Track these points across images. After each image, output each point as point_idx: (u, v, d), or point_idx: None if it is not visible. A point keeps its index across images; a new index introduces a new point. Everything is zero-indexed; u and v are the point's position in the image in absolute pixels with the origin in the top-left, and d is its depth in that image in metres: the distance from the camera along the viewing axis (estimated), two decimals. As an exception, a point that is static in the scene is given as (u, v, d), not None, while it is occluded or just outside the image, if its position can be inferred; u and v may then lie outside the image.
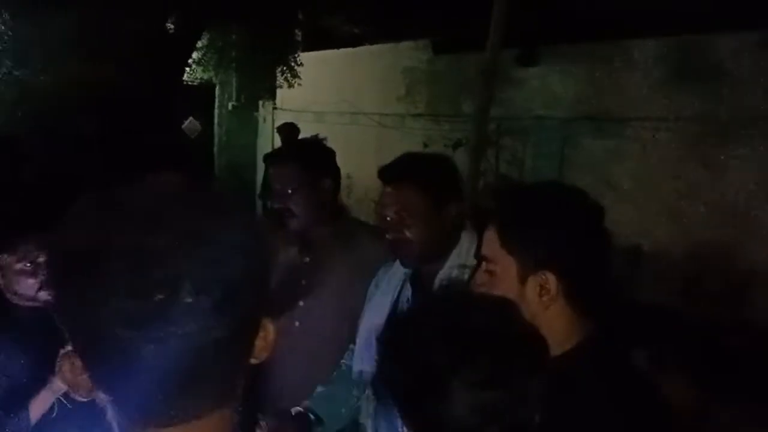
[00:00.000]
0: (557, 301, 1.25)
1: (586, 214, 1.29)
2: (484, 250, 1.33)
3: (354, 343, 2.08)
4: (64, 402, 1.85)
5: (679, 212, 5.26)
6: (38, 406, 1.77)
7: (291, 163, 2.25)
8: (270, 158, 2.47)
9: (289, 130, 7.48)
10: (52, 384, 1.80)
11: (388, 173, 1.89)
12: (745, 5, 4.60)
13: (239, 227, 0.71)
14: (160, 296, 0.63)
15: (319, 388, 2.09)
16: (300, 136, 7.20)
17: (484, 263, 1.33)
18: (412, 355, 0.98)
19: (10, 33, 6.71)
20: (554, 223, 1.26)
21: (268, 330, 0.76)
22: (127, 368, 0.66)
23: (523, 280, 1.26)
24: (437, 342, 0.96)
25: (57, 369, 1.83)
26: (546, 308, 1.24)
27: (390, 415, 1.71)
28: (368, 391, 1.92)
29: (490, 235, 1.31)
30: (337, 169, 2.31)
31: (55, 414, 1.82)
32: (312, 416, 2.00)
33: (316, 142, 2.39)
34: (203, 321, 0.65)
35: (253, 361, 0.75)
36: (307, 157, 2.28)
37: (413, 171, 1.88)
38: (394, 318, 1.28)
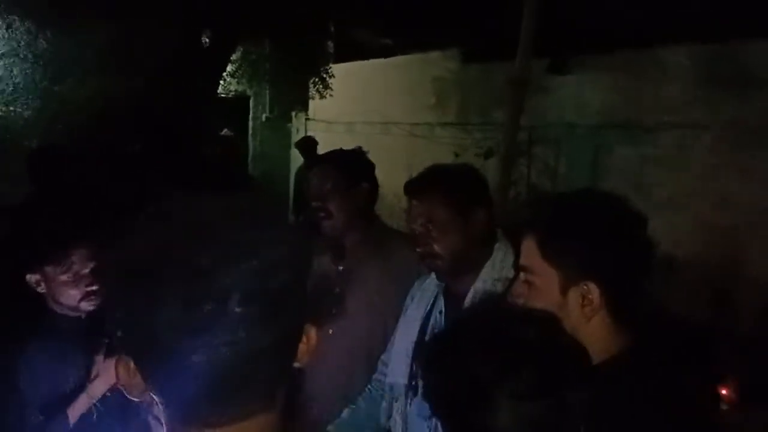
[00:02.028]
0: (599, 312, 1.23)
1: (628, 222, 1.27)
2: (524, 261, 1.30)
3: (384, 354, 2.08)
4: (100, 407, 1.92)
5: (713, 221, 5.20)
6: (76, 411, 1.84)
7: (330, 165, 2.30)
8: (310, 163, 2.53)
9: (307, 144, 7.60)
10: (89, 389, 1.87)
11: (413, 187, 1.88)
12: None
13: (284, 239, 0.75)
14: (211, 306, 0.67)
15: (344, 413, 2.08)
16: (331, 147, 7.29)
17: (522, 274, 1.30)
18: (458, 369, 0.97)
19: (50, 48, 6.91)
20: (596, 233, 1.24)
21: (311, 335, 0.79)
22: (178, 372, 0.70)
23: (564, 291, 1.24)
24: (483, 355, 0.96)
25: (94, 374, 1.90)
26: (588, 319, 1.22)
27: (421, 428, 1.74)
28: (399, 404, 1.90)
29: (530, 246, 1.28)
30: (375, 180, 2.34)
31: (95, 418, 1.90)
32: None
33: (357, 152, 2.43)
34: (251, 330, 0.69)
35: (295, 365, 0.78)
36: (347, 162, 2.33)
37: (437, 183, 1.86)
38: (437, 332, 1.28)
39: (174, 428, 0.75)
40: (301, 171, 7.55)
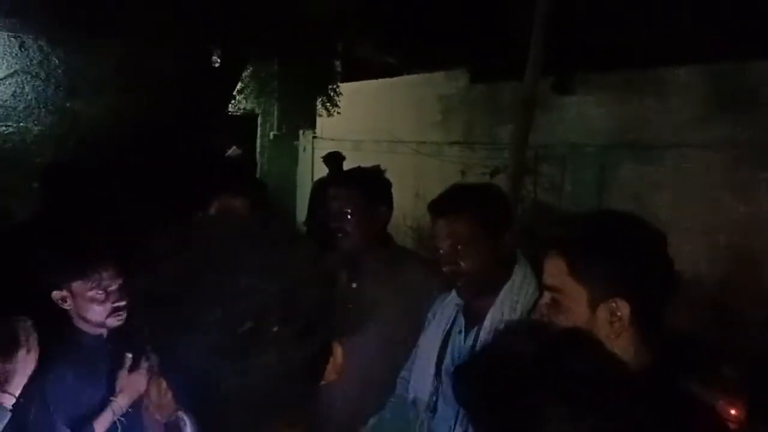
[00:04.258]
0: (628, 328, 1.24)
1: (652, 240, 1.29)
2: (550, 281, 1.31)
3: (404, 371, 2.10)
4: (124, 422, 1.96)
5: (717, 240, 5.22)
6: (101, 426, 1.87)
7: (353, 186, 2.30)
8: (331, 181, 2.51)
9: (334, 159, 7.63)
10: (113, 404, 1.90)
11: (440, 206, 1.88)
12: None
13: (310, 259, 0.78)
14: (248, 327, 0.69)
15: (372, 420, 2.09)
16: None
17: (548, 293, 1.31)
18: (509, 394, 0.95)
19: (62, 66, 7.01)
20: (624, 250, 1.26)
21: (338, 354, 0.82)
22: (209, 394, 0.72)
23: (594, 308, 1.25)
24: (534, 379, 0.95)
25: (118, 389, 1.94)
26: (618, 335, 1.23)
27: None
28: (422, 417, 1.91)
29: (557, 265, 1.29)
30: (392, 200, 2.35)
31: (119, 433, 1.93)
32: None
33: (376, 172, 2.43)
34: (285, 350, 0.71)
35: (322, 383, 0.81)
36: (368, 183, 2.34)
37: (465, 202, 1.87)
38: (477, 354, 1.26)
39: None
40: (319, 185, 7.58)
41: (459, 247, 1.81)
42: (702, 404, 1.26)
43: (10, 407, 1.74)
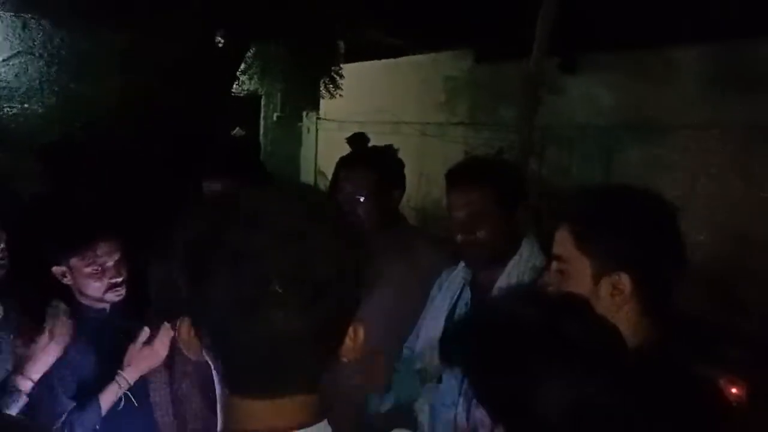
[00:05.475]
0: (629, 303, 1.26)
1: (661, 216, 1.30)
2: (557, 250, 1.34)
3: (409, 340, 2.12)
4: (130, 396, 1.97)
5: (722, 222, 5.20)
6: (107, 399, 1.90)
7: (367, 170, 2.31)
8: (345, 161, 2.49)
9: (359, 140, 7.59)
10: (119, 378, 1.93)
11: (458, 176, 1.93)
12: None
13: (336, 234, 0.78)
14: (252, 286, 0.72)
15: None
16: (342, 146, 7.33)
17: (555, 263, 1.34)
18: (509, 360, 0.97)
19: (66, 47, 6.98)
20: (630, 225, 1.27)
21: (358, 333, 0.82)
22: (225, 344, 0.77)
23: (597, 280, 1.27)
24: (534, 345, 0.97)
25: (126, 363, 1.94)
26: (618, 308, 1.25)
27: (444, 414, 1.76)
28: (428, 386, 1.95)
29: (564, 236, 1.33)
30: (405, 181, 2.37)
31: (121, 407, 1.95)
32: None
33: (390, 154, 2.43)
34: (288, 313, 0.73)
35: (343, 360, 0.82)
36: (384, 166, 2.34)
37: (482, 174, 1.93)
38: (479, 323, 1.29)
39: (224, 392, 0.81)
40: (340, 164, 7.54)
41: (476, 216, 1.86)
42: (704, 381, 1.27)
43: (28, 391, 1.76)
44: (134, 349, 1.94)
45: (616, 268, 1.26)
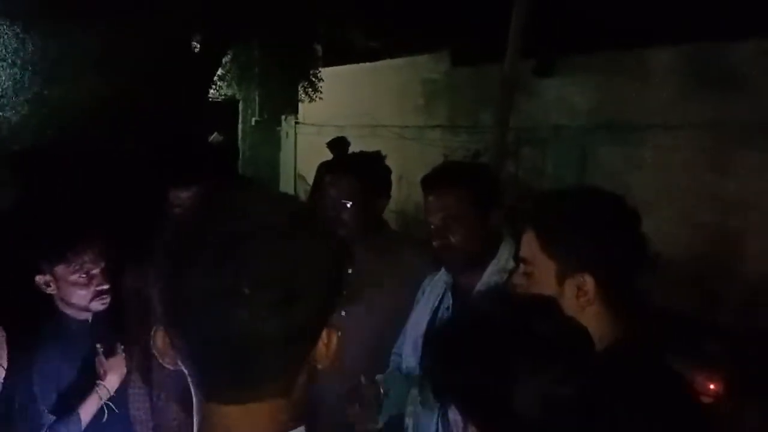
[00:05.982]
0: (593, 303, 1.28)
1: (624, 218, 1.32)
2: (523, 252, 1.36)
3: (396, 345, 2.12)
4: (112, 406, 1.96)
5: (697, 219, 5.28)
6: (87, 411, 1.88)
7: (354, 176, 2.26)
8: (331, 167, 2.45)
9: (340, 145, 7.54)
10: (99, 389, 1.90)
11: (432, 181, 1.92)
12: (761, 12, 4.64)
13: (309, 236, 0.79)
14: (224, 284, 0.72)
15: (379, 376, 2.08)
16: (320, 150, 7.30)
17: (522, 265, 1.36)
18: (486, 363, 0.98)
19: (38, 53, 6.90)
20: (593, 228, 1.29)
21: (332, 339, 0.81)
22: (197, 346, 0.76)
23: (561, 282, 1.29)
24: (508, 347, 0.98)
25: (102, 372, 1.93)
26: (582, 309, 1.26)
27: (430, 418, 1.78)
28: (413, 392, 1.94)
29: (530, 238, 1.34)
30: (391, 188, 2.33)
31: (105, 419, 1.92)
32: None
33: (379, 159, 2.39)
34: (260, 313, 0.73)
35: (318, 366, 0.81)
36: (371, 173, 2.30)
37: (457, 178, 1.92)
38: (447, 325, 1.31)
39: (200, 401, 0.81)
40: (322, 168, 7.45)
41: (450, 221, 1.85)
42: (675, 378, 1.29)
43: None
44: (102, 361, 1.92)
45: (579, 270, 1.28)
